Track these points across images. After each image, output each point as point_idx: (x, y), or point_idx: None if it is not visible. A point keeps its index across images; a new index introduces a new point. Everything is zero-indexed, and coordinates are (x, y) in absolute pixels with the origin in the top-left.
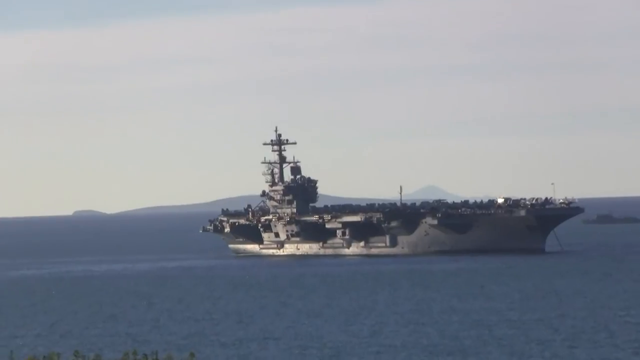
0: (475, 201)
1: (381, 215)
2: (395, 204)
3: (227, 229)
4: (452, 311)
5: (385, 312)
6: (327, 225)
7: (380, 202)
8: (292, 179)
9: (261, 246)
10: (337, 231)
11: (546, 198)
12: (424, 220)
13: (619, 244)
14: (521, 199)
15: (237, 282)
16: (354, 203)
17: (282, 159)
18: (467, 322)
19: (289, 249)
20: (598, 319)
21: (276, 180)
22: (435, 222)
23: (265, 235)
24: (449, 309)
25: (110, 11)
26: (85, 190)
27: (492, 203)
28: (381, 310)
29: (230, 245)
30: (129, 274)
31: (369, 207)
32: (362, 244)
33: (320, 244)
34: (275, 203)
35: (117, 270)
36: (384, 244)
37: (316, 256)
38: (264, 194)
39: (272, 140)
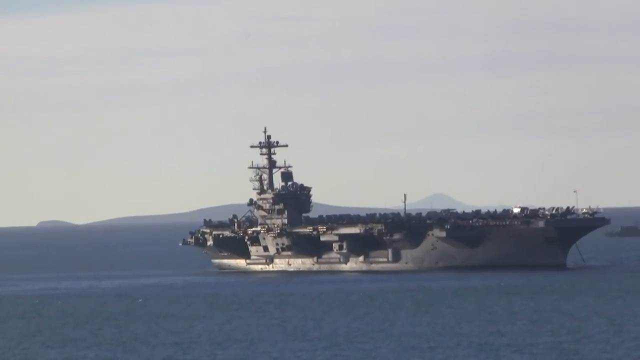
0: (489, 211)
1: (383, 227)
2: (398, 214)
3: (210, 242)
4: (458, 335)
5: (382, 336)
6: (322, 238)
7: (382, 212)
8: (282, 186)
9: (248, 261)
10: (334, 244)
11: (567, 207)
12: (430, 233)
13: None
14: (540, 208)
15: (217, 301)
16: (352, 213)
17: (272, 164)
18: (472, 346)
19: (280, 264)
20: (616, 344)
21: (265, 188)
22: (444, 234)
23: (252, 249)
24: (453, 333)
25: None
26: (51, 199)
27: (507, 213)
28: (377, 334)
29: (214, 260)
30: (95, 292)
31: (369, 218)
32: (361, 258)
33: (315, 258)
34: (264, 213)
35: (82, 288)
36: (385, 259)
37: (310, 272)
38: (251, 202)
39: (260, 143)
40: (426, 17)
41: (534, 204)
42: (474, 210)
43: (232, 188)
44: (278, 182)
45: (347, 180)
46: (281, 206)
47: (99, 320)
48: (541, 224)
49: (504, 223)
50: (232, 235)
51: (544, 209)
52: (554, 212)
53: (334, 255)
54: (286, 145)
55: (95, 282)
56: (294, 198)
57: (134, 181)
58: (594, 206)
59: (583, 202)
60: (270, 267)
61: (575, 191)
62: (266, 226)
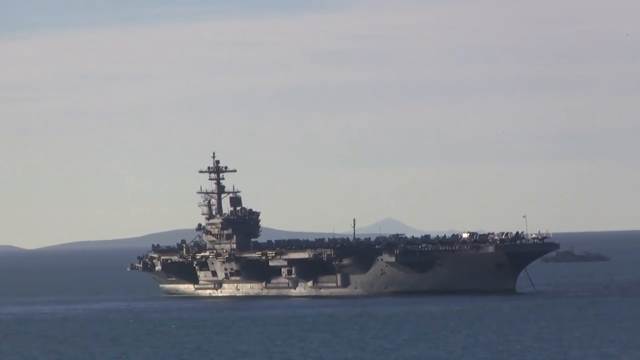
0: (438, 236)
1: (332, 252)
2: (347, 239)
3: (158, 267)
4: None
5: None
6: (271, 263)
7: (331, 237)
8: (231, 211)
9: (196, 286)
10: (282, 269)
11: (517, 232)
12: (380, 258)
13: (589, 282)
14: (489, 233)
15: (153, 327)
16: (301, 238)
17: (221, 189)
18: None
19: (228, 289)
20: None
21: (214, 213)
22: (393, 259)
23: (201, 274)
24: (393, 357)
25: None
26: (1, 224)
27: (456, 238)
28: None
29: (162, 285)
30: (36, 318)
31: (318, 243)
32: (310, 283)
33: (263, 283)
34: (212, 238)
35: (23, 314)
36: (334, 284)
37: (258, 297)
38: (200, 227)
39: (209, 168)
40: (375, 44)
41: (483, 229)
42: (423, 235)
43: (180, 213)
44: (227, 207)
45: (296, 205)
46: (230, 231)
47: (35, 345)
48: (491, 249)
49: (454, 248)
50: (181, 260)
51: (493, 234)
52: (503, 237)
53: (282, 280)
54: (235, 170)
55: (38, 307)
56: (242, 223)
57: (85, 207)
58: (543, 231)
59: (532, 227)
60: (218, 292)
61: (524, 216)
62: (215, 251)
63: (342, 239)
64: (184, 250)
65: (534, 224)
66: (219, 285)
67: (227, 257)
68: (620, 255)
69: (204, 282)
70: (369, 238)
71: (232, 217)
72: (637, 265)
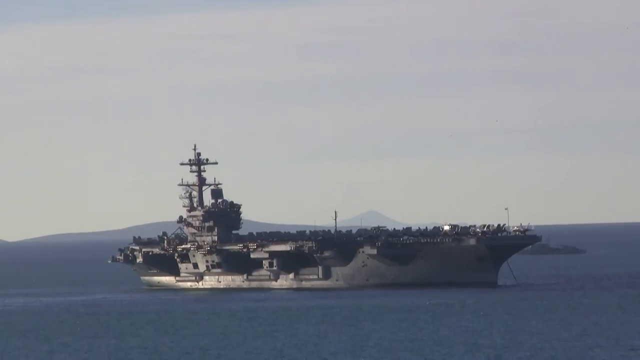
0: (419, 228)
1: (313, 244)
2: (329, 231)
3: (139, 259)
4: (378, 350)
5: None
6: (252, 255)
7: (313, 230)
8: (212, 203)
9: (178, 278)
10: (264, 262)
11: (499, 225)
12: (361, 250)
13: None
14: (470, 226)
15: (125, 319)
16: (282, 230)
17: (202, 181)
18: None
19: (210, 281)
20: None
21: (195, 205)
22: (374, 251)
23: (182, 266)
24: (364, 350)
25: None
26: None
27: (438, 231)
28: (287, 354)
29: (143, 278)
30: (15, 310)
31: (300, 235)
32: (291, 276)
33: (245, 276)
34: (193, 230)
35: (2, 305)
36: (316, 276)
37: (239, 289)
38: (181, 220)
39: (190, 160)
40: (354, 36)
41: (465, 221)
42: (405, 227)
43: (162, 206)
44: (208, 200)
45: (278, 197)
46: (211, 223)
47: (15, 336)
48: (472, 241)
49: (435, 240)
50: (162, 252)
51: (475, 226)
52: (485, 229)
53: (264, 272)
54: (216, 163)
55: (20, 299)
56: (224, 215)
57: (67, 199)
58: (525, 224)
59: (514, 219)
60: (200, 285)
61: (506, 209)
62: (196, 243)
63: (324, 231)
64: (165, 242)
65: (516, 216)
66: (200, 277)
67: (208, 250)
68: (596, 248)
69: (185, 275)
70: (350, 230)
71: (213, 209)
72: (613, 258)
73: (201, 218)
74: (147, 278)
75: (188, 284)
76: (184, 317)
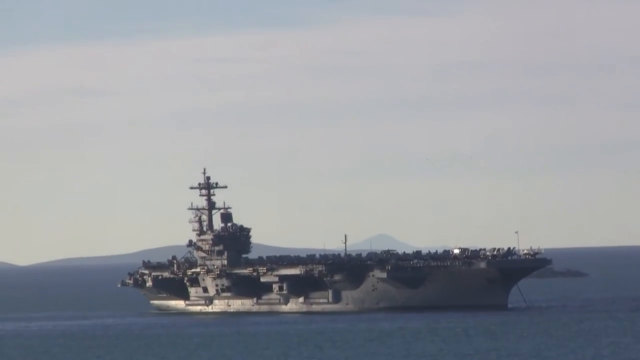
0: (429, 252)
1: (323, 268)
2: (339, 255)
3: (149, 283)
4: None
5: None
6: (262, 279)
7: (322, 253)
8: (222, 227)
9: (187, 302)
10: (274, 285)
11: (509, 248)
12: (371, 274)
13: (579, 298)
14: (480, 249)
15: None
16: (292, 254)
17: (211, 205)
18: None
19: (219, 305)
20: None
21: (204, 229)
22: (384, 275)
23: (192, 290)
24: None
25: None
26: None
27: (448, 254)
28: None
29: (153, 302)
30: (24, 333)
31: (310, 259)
32: (301, 299)
33: (254, 299)
34: (203, 254)
35: (13, 329)
36: (326, 300)
37: (249, 313)
38: (190, 244)
39: (199, 184)
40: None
41: (475, 244)
42: (415, 251)
43: (171, 230)
44: (217, 224)
45: (287, 221)
46: (221, 247)
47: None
48: (483, 264)
49: (445, 264)
50: (171, 276)
51: (485, 249)
52: (495, 252)
53: (274, 296)
54: (225, 187)
55: (30, 323)
56: (233, 239)
57: (78, 224)
58: (535, 247)
59: (524, 243)
60: (209, 309)
61: (516, 232)
62: (206, 267)
63: (334, 255)
64: (175, 266)
65: (526, 240)
66: (209, 301)
67: (218, 273)
68: (598, 271)
69: (195, 298)
70: (360, 254)
71: (223, 233)
72: (616, 281)
73: (211, 242)
74: (156, 302)
75: (198, 308)
76: (194, 340)
